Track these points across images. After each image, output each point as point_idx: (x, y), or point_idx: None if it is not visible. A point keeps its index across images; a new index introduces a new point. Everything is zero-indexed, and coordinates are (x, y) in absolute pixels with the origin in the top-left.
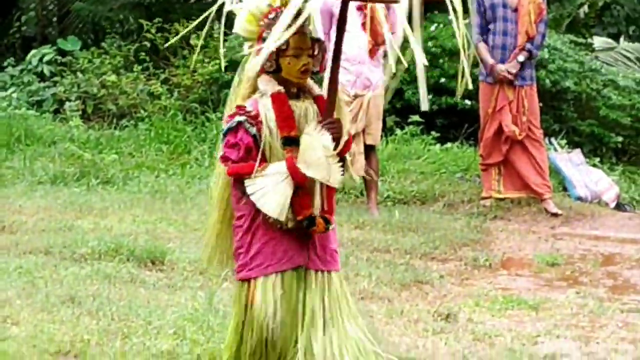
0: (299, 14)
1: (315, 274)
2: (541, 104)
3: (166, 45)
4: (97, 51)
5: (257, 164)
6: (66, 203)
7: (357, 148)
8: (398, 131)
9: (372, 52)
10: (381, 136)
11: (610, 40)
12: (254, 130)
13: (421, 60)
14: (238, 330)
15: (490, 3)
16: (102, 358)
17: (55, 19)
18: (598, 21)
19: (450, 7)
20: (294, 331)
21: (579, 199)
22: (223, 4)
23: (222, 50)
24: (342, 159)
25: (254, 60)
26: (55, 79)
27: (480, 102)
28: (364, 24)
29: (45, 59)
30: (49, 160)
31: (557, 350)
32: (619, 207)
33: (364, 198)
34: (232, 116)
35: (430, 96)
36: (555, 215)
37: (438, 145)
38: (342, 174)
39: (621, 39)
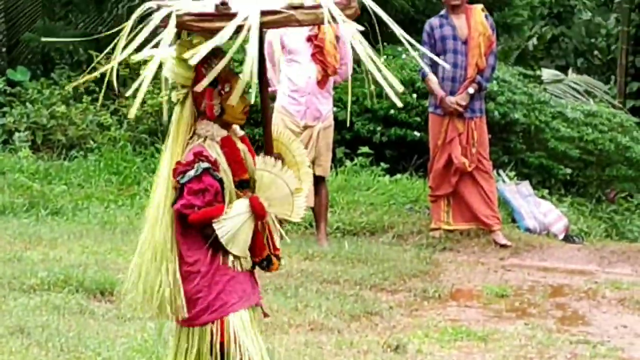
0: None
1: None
2: (490, 136)
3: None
4: (47, 82)
5: (226, 205)
6: (15, 234)
7: None
8: (348, 162)
9: (321, 83)
10: (331, 167)
11: (558, 72)
12: (218, 175)
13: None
14: None
15: (440, 35)
16: None
17: (4, 49)
18: (546, 54)
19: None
20: None
21: (528, 230)
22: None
23: (165, 94)
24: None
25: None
26: (5, 109)
27: (429, 134)
28: (313, 55)
29: None
30: None
31: None
32: (568, 238)
33: (313, 229)
34: (189, 164)
35: (380, 127)
36: (504, 246)
37: (387, 177)
38: (305, 209)
39: (569, 72)
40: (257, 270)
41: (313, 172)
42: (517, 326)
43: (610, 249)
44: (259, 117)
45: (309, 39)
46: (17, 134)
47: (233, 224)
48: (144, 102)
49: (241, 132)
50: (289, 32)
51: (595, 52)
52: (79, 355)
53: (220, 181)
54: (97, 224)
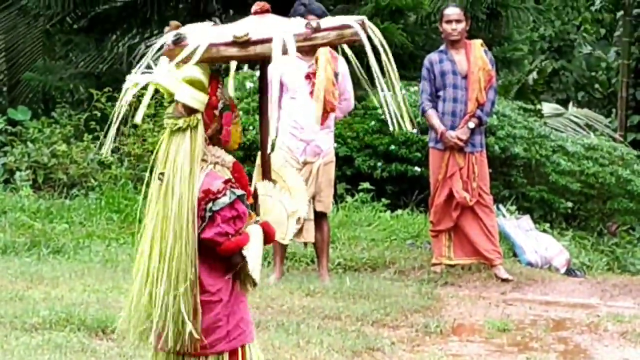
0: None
1: None
2: (491, 170)
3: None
4: (48, 120)
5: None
6: (17, 273)
7: (307, 215)
8: (349, 198)
9: (321, 120)
10: (332, 203)
11: (559, 106)
12: (247, 202)
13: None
14: None
15: (440, 70)
16: None
17: (5, 88)
18: (547, 87)
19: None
20: None
21: (530, 264)
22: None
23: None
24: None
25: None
26: (6, 148)
27: (430, 169)
28: (312, 92)
29: None
30: (0, 230)
31: None
32: (570, 272)
33: (314, 265)
34: (220, 191)
35: (381, 163)
36: (505, 280)
37: (388, 212)
38: (295, 233)
39: (570, 105)
40: (260, 307)
41: (314, 208)
42: None
43: (612, 282)
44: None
45: (308, 77)
46: (18, 173)
47: (257, 250)
48: (144, 140)
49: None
50: (288, 69)
51: (596, 86)
52: None
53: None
54: (99, 262)
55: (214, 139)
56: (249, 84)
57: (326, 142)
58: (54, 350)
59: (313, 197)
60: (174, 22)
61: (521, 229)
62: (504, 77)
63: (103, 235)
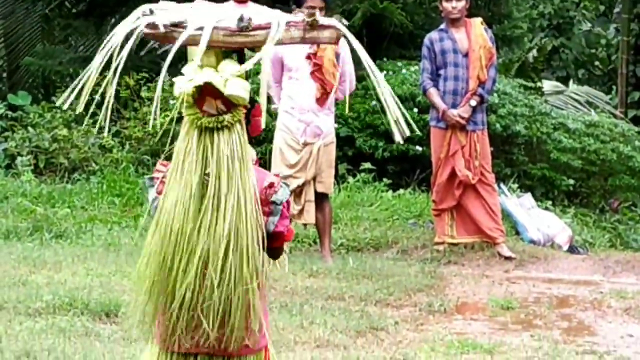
0: None
1: None
2: (492, 149)
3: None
4: (48, 105)
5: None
6: (20, 258)
7: (308, 196)
8: (350, 179)
9: (321, 101)
10: (334, 184)
11: (559, 84)
12: None
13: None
14: None
15: (441, 49)
16: None
17: (4, 74)
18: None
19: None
20: None
21: (532, 242)
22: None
23: (154, 110)
24: None
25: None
26: (6, 134)
27: (432, 147)
28: (312, 73)
29: None
30: (2, 216)
31: None
32: (572, 249)
33: (317, 246)
34: (277, 184)
35: (382, 143)
36: (508, 259)
37: (390, 192)
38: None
39: (570, 82)
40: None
41: (315, 189)
42: (523, 338)
43: (614, 259)
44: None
45: (308, 57)
46: (19, 158)
47: None
48: (145, 123)
49: None
50: (289, 50)
51: (596, 63)
52: None
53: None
54: (101, 246)
55: (256, 130)
56: None
57: (326, 123)
58: (58, 334)
59: (314, 178)
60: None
61: (523, 207)
62: (504, 55)
63: (105, 219)
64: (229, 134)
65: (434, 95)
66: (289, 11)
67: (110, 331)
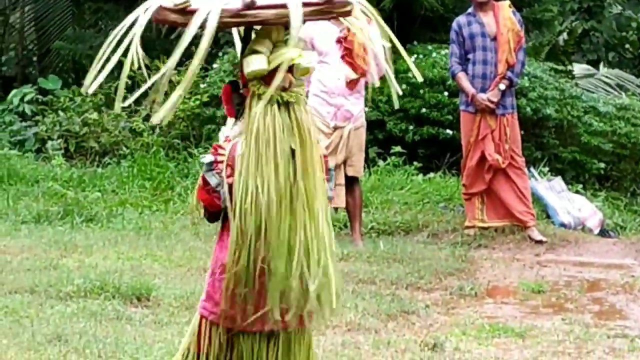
0: None
1: None
2: (522, 132)
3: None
4: (78, 89)
5: None
6: (50, 242)
7: (338, 180)
8: (380, 162)
9: (351, 85)
10: (364, 167)
11: (589, 67)
12: None
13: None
14: None
15: (469, 33)
16: None
17: (35, 58)
18: (577, 48)
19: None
20: None
21: (563, 225)
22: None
23: (175, 98)
24: None
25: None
26: (37, 118)
27: (462, 132)
28: (343, 57)
29: (26, 98)
30: (33, 200)
31: None
32: (603, 233)
33: (348, 230)
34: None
35: (412, 126)
36: (539, 242)
37: (420, 176)
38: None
39: (601, 66)
40: None
41: (345, 173)
42: (554, 322)
43: None
44: None
45: (339, 41)
46: (50, 142)
47: None
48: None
49: None
50: (319, 33)
51: (627, 46)
52: None
53: None
54: (132, 229)
55: None
56: None
57: (356, 107)
58: (89, 318)
59: (344, 162)
60: None
61: (553, 190)
62: (535, 39)
63: (136, 203)
64: (299, 108)
65: (463, 79)
66: None
67: (141, 315)
